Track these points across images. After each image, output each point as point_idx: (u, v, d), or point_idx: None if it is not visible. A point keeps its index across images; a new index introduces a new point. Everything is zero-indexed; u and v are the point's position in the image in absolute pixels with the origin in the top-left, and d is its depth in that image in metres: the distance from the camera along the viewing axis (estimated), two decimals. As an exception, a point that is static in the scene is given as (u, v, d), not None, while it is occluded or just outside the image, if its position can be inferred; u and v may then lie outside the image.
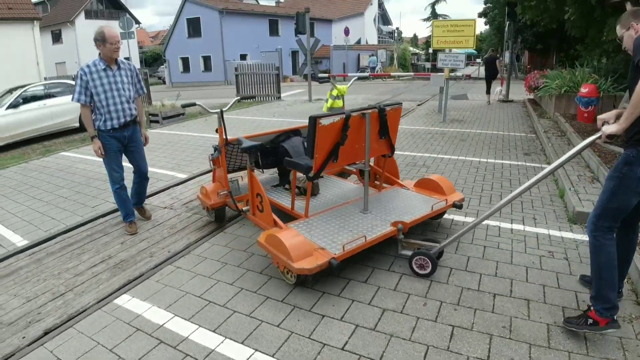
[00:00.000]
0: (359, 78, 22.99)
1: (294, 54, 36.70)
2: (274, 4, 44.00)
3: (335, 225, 3.57)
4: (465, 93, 17.30)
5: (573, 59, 13.97)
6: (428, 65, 34.62)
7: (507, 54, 17.06)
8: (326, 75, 17.67)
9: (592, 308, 2.52)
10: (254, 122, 11.37)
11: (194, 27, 34.22)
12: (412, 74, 25.41)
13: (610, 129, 2.39)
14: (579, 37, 11.78)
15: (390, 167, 4.46)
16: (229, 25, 32.83)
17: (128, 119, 4.25)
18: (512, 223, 4.26)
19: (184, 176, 6.33)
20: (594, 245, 2.54)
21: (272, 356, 2.50)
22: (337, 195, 4.37)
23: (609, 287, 2.48)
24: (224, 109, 4.11)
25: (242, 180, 4.80)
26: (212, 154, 4.36)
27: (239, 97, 4.89)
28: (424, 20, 55.14)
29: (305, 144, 4.60)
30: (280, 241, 3.08)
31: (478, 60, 50.57)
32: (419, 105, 14.19)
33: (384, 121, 3.73)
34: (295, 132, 4.67)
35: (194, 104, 4.23)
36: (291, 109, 14.00)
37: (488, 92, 14.31)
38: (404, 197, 4.17)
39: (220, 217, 4.54)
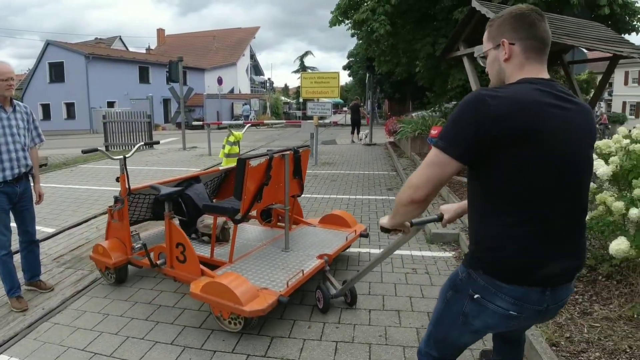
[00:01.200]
0: (252, 125, 23.43)
1: (166, 101, 36.01)
2: (144, 51, 42.98)
3: (265, 265, 3.62)
4: (334, 138, 18.58)
5: (425, 105, 15.97)
6: (299, 113, 36.41)
7: (369, 103, 18.87)
8: (200, 122, 17.73)
9: None
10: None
11: (57, 71, 31.91)
12: (284, 121, 26.53)
13: (382, 220, 1.86)
14: (430, 86, 13.56)
15: (296, 206, 4.66)
16: (95, 70, 31.23)
17: (22, 169, 3.71)
18: (379, 248, 4.82)
19: (51, 230, 5.93)
20: None
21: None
22: (249, 239, 4.37)
23: None
24: (127, 155, 3.87)
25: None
26: (112, 206, 3.96)
27: (142, 143, 4.84)
28: (294, 72, 58.05)
29: (208, 190, 4.76)
30: (225, 287, 3.00)
31: (345, 108, 54.49)
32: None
33: (297, 162, 3.96)
34: (196, 179, 4.60)
35: (95, 150, 3.94)
36: (165, 157, 13.74)
37: (352, 132, 16.29)
38: (315, 233, 4.38)
39: (121, 278, 4.10)
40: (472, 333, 1.70)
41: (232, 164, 4.97)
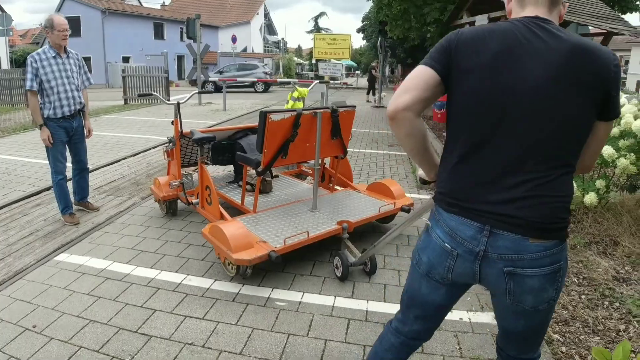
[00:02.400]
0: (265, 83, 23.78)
1: (180, 58, 36.35)
2: (158, 7, 42.93)
3: (282, 221, 3.66)
4: (345, 100, 19.08)
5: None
6: (312, 74, 36.66)
7: (380, 67, 19.43)
8: (216, 79, 18.24)
9: None
10: (147, 123, 11.71)
11: (74, 26, 31.83)
12: (297, 80, 26.94)
13: (420, 171, 1.82)
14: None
15: (343, 169, 4.55)
16: (111, 26, 31.57)
17: (78, 107, 4.34)
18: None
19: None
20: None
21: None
22: (288, 194, 4.45)
23: None
24: (181, 101, 4.21)
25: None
26: (166, 146, 4.42)
27: (197, 91, 5.10)
28: (308, 32, 57.67)
29: None
30: (222, 232, 3.16)
31: (357, 72, 54.24)
32: (286, 104, 15.54)
33: (336, 122, 3.77)
34: (253, 130, 4.66)
35: (150, 94, 4.52)
36: (182, 111, 14.38)
37: (368, 93, 17.38)
38: (355, 199, 4.26)
39: (172, 209, 4.60)
40: (423, 277, 1.62)
41: None
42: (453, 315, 2.95)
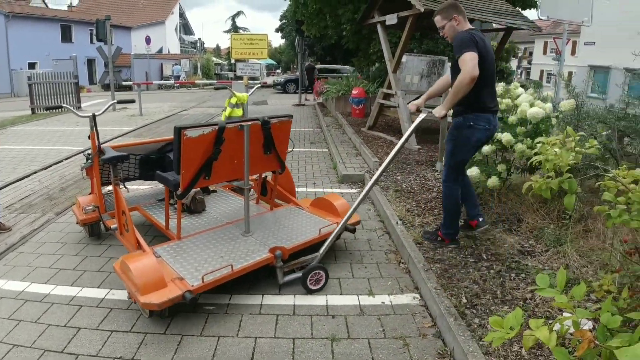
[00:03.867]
0: (181, 85, 23.00)
1: (90, 62, 34.32)
2: (65, 8, 40.17)
3: (208, 250, 3.28)
4: (265, 100, 19.12)
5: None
6: (231, 74, 36.17)
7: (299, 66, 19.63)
8: (130, 83, 17.55)
9: (440, 231, 3.72)
10: (57, 133, 11.01)
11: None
12: (216, 82, 26.52)
13: (440, 112, 3.20)
14: (356, 49, 14.41)
15: (285, 183, 4.20)
16: (15, 30, 29.03)
17: None
18: (306, 187, 5.71)
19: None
20: (446, 192, 3.54)
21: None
22: (222, 214, 4.04)
23: (454, 219, 3.61)
24: (96, 113, 3.80)
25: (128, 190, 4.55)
26: (83, 164, 3.97)
27: (114, 101, 4.48)
28: (226, 31, 56.70)
29: None
30: (130, 271, 2.75)
31: (278, 70, 54.19)
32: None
33: (268, 135, 3.42)
34: None
35: (60, 106, 4.12)
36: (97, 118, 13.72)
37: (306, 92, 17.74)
38: (295, 217, 3.90)
39: (94, 233, 4.20)
40: (472, 148, 3.50)
41: None
42: (375, 300, 3.13)
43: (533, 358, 2.40)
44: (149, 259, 2.88)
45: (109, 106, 4.11)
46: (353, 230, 3.82)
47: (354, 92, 11.06)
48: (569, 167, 1.57)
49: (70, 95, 16.04)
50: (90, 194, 4.23)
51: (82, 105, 16.70)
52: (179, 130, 2.92)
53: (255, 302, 3.12)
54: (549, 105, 4.32)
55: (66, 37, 33.69)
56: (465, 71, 3.03)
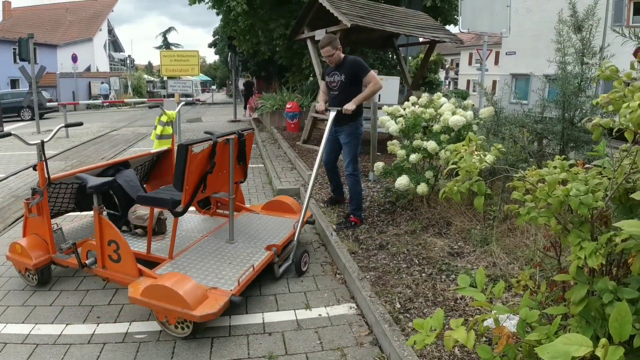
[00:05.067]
0: (111, 104, 21.99)
1: (14, 82, 32.29)
2: (-14, 26, 37.53)
3: (210, 260, 3.37)
4: (200, 117, 18.78)
5: (285, 84, 16.98)
6: (164, 92, 35.27)
7: (241, 81, 19.57)
8: (55, 104, 16.67)
9: (352, 215, 4.53)
10: (-29, 159, 10.20)
11: None
12: (147, 100, 25.76)
13: (352, 106, 4.23)
14: (289, 65, 14.50)
15: (237, 194, 4.33)
16: None
17: None
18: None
19: None
20: (355, 180, 4.50)
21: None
22: (187, 230, 4.03)
23: (361, 201, 4.60)
24: (45, 140, 3.37)
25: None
26: (30, 199, 3.47)
27: (62, 125, 3.96)
28: (157, 48, 55.33)
29: (138, 176, 4.28)
30: (170, 291, 2.69)
31: (213, 87, 53.50)
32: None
33: (242, 147, 3.68)
34: (124, 164, 4.13)
35: (9, 134, 3.39)
36: (18, 142, 12.87)
37: (245, 107, 18.14)
38: (259, 221, 4.19)
39: (45, 279, 3.63)
40: (361, 142, 4.61)
41: (165, 146, 4.78)
42: (312, 313, 3.11)
43: (467, 356, 2.46)
44: (185, 277, 2.87)
45: (57, 131, 3.69)
46: (313, 222, 4.55)
47: (288, 106, 11.09)
48: (478, 170, 1.64)
49: (-10, 118, 15.00)
50: (26, 235, 3.62)
51: (5, 129, 15.62)
52: (185, 147, 3.00)
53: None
54: (469, 113, 4.54)
55: (-13, 57, 31.54)
56: (377, 83, 4.39)
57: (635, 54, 5.47)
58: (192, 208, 4.25)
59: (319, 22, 8.49)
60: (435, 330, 1.54)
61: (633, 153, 1.55)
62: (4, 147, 11.84)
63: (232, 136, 3.48)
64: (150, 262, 3.33)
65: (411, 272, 3.48)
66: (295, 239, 3.73)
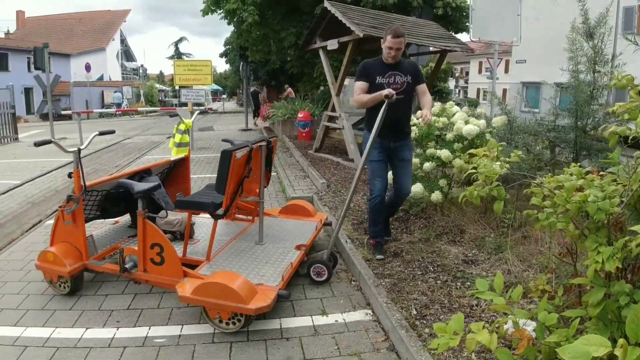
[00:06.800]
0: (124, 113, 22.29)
1: (27, 91, 32.85)
2: (2, 35, 38.36)
3: (246, 260, 3.54)
4: (212, 125, 18.97)
5: (297, 92, 17.12)
6: (176, 101, 35.67)
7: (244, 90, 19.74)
8: (69, 112, 16.94)
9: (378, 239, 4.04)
10: (-11, 166, 10.42)
11: None
12: (159, 108, 26.08)
13: (430, 114, 3.64)
14: (300, 74, 14.64)
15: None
16: (-54, 58, 27.39)
17: None
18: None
19: None
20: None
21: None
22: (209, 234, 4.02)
23: None
24: (81, 147, 3.45)
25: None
26: (66, 207, 3.44)
27: (97, 133, 3.96)
28: (169, 58, 56.03)
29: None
30: (223, 287, 2.84)
31: (224, 96, 53.93)
32: (168, 138, 15.06)
33: (269, 153, 3.88)
34: (147, 171, 4.22)
35: (49, 142, 3.42)
36: (34, 149, 13.07)
37: (254, 117, 18.08)
38: (280, 224, 4.36)
39: (78, 287, 3.65)
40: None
41: (183, 153, 4.87)
42: (328, 319, 3.15)
43: (481, 361, 2.49)
44: (234, 274, 3.04)
45: (92, 138, 3.76)
46: (330, 224, 4.52)
47: (299, 115, 11.19)
48: (498, 176, 1.68)
49: (8, 126, 15.34)
50: (55, 242, 3.62)
51: (20, 136, 15.91)
52: (230, 153, 3.17)
53: (208, 331, 3.05)
54: (482, 121, 4.58)
55: (2, 65, 32.21)
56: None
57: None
58: (207, 215, 4.18)
59: (331, 32, 8.58)
60: (457, 333, 1.58)
61: (649, 160, 1.59)
62: (19, 154, 12.08)
63: (263, 143, 3.70)
64: (187, 266, 3.36)
65: (426, 279, 3.51)
66: (329, 249, 3.72)
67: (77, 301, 3.53)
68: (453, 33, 12.60)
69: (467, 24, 13.13)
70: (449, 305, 3.11)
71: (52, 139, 3.42)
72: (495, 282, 1.76)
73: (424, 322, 2.93)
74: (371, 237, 4.07)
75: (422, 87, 3.81)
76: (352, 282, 3.72)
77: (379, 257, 3.90)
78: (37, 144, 3.33)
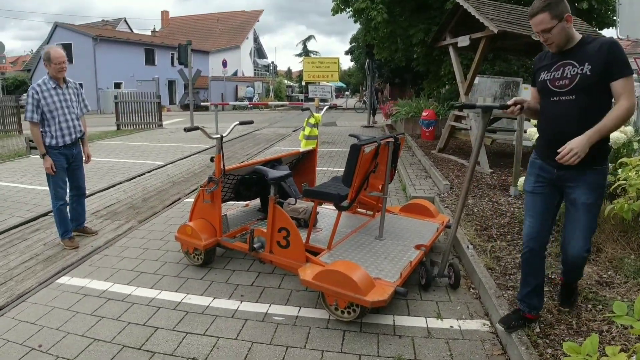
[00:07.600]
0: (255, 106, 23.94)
1: (171, 83, 36.75)
2: (149, 33, 43.57)
3: (366, 254, 3.56)
4: (335, 121, 19.40)
5: (420, 91, 16.79)
6: (302, 97, 37.13)
7: (368, 87, 19.82)
8: (208, 103, 18.55)
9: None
10: (140, 148, 11.83)
11: (66, 53, 32.68)
12: (288, 103, 27.34)
13: (587, 148, 2.21)
14: (425, 72, 14.36)
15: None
16: (103, 52, 31.96)
17: (78, 135, 4.52)
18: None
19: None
20: (584, 262, 2.71)
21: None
22: (331, 225, 4.03)
23: None
24: (224, 135, 3.80)
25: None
26: (207, 187, 3.84)
27: (237, 122, 4.23)
28: (297, 55, 58.50)
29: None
30: (344, 276, 2.91)
31: (347, 92, 54.87)
32: (294, 131, 15.75)
33: (396, 150, 3.86)
34: (278, 161, 4.49)
35: (197, 128, 3.75)
36: (175, 135, 14.60)
37: (374, 115, 17.63)
38: (401, 222, 4.33)
39: (210, 259, 4.04)
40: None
41: (311, 145, 5.04)
42: (443, 323, 3.08)
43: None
44: (355, 265, 3.09)
45: (233, 127, 4.07)
46: (449, 227, 4.22)
47: (424, 114, 10.98)
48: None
49: (153, 113, 17.26)
50: (193, 218, 4.04)
51: (163, 123, 17.85)
52: (359, 147, 3.19)
53: (323, 317, 3.17)
54: (629, 128, 4.09)
55: (149, 60, 36.34)
56: (633, 102, 2.21)
57: None
58: (330, 206, 4.45)
59: (462, 28, 8.27)
60: (591, 355, 1.46)
61: None
62: (162, 139, 13.51)
63: (391, 139, 3.68)
64: (309, 252, 3.49)
65: (553, 297, 3.26)
66: (444, 257, 3.59)
67: (208, 273, 3.90)
68: (597, 29, 11.37)
69: (614, 17, 11.75)
70: (577, 328, 2.85)
71: (200, 126, 3.77)
72: (636, 306, 1.59)
73: (547, 341, 2.73)
74: (517, 297, 2.93)
75: (618, 86, 2.29)
76: (471, 290, 3.58)
77: (500, 326, 2.78)
78: (187, 130, 3.74)
